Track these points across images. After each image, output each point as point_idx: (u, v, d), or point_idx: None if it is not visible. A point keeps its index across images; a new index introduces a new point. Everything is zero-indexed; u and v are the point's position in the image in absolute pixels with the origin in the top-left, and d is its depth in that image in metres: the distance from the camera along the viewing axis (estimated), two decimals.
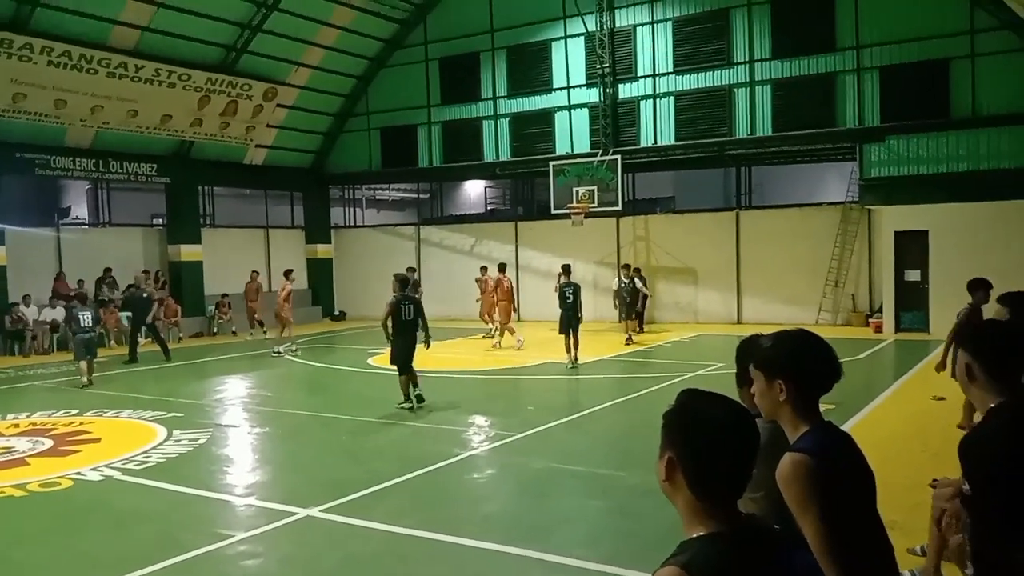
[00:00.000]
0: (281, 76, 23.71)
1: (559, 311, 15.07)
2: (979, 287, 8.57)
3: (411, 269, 16.37)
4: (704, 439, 1.77)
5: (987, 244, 17.49)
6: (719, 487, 1.78)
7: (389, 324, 11.14)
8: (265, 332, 21.19)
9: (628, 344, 18.00)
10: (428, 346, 11.83)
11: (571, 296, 14.99)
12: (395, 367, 11.33)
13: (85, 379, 14.08)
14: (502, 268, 19.59)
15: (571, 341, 14.73)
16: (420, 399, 11.42)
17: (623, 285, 19.24)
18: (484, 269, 20.45)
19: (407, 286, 11.73)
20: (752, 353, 2.65)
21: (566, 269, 15.93)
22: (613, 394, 12.49)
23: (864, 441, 2.61)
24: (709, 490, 1.77)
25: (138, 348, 17.62)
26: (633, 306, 19.22)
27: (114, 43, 19.80)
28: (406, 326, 11.21)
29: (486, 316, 19.62)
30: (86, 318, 14.45)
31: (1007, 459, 2.61)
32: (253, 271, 22.32)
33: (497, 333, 18.80)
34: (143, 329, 17.75)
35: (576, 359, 14.74)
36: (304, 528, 6.61)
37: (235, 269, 22.58)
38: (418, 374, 11.58)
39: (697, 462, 1.76)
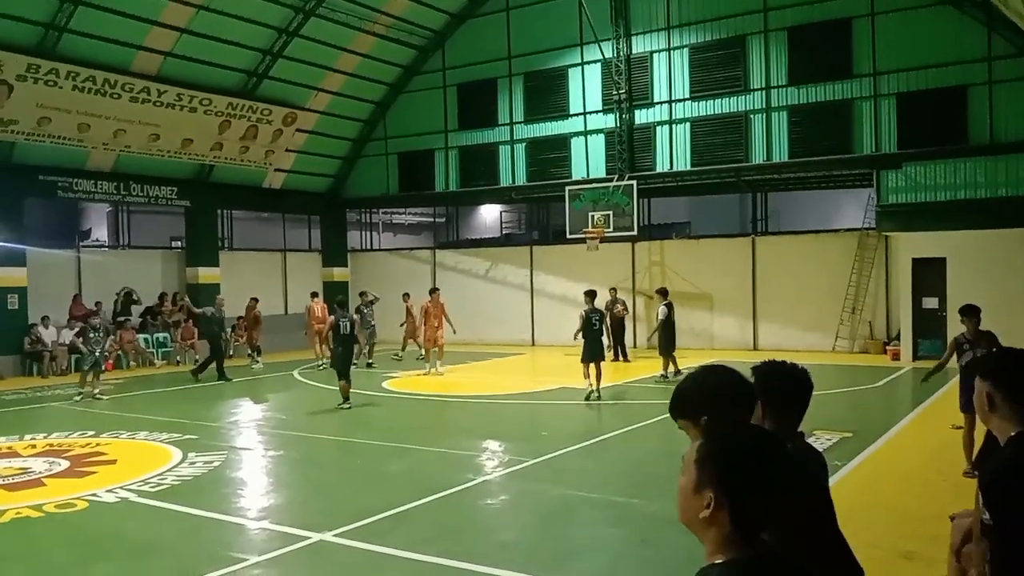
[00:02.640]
0: (301, 101, 24.01)
1: (582, 340, 14.07)
2: (974, 313, 8.61)
3: (354, 294, 20.62)
4: (754, 478, 1.74)
5: (1005, 271, 17.35)
6: (762, 521, 1.76)
7: (330, 336, 14.15)
8: (257, 361, 20.92)
9: (664, 380, 16.32)
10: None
11: (597, 323, 14.20)
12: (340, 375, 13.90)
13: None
14: (432, 291, 19.17)
15: (593, 371, 13.88)
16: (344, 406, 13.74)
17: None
18: (407, 296, 21.55)
19: (344, 307, 14.92)
20: (739, 396, 2.52)
21: (591, 295, 14.83)
22: (628, 420, 12.42)
23: (883, 471, 2.62)
24: (752, 524, 1.75)
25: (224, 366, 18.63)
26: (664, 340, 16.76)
27: (137, 68, 20.14)
28: (344, 339, 13.91)
29: (413, 339, 20.40)
30: (96, 336, 15.82)
31: None
32: (252, 298, 21.73)
33: (430, 359, 18.08)
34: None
35: (599, 390, 13.99)
36: (317, 553, 6.59)
37: (252, 292, 22.67)
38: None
39: (746, 501, 1.73)
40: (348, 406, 13.66)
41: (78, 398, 15.19)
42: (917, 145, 19.01)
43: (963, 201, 18.49)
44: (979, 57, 18.43)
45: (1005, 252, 17.59)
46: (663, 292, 17.41)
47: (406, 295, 21.67)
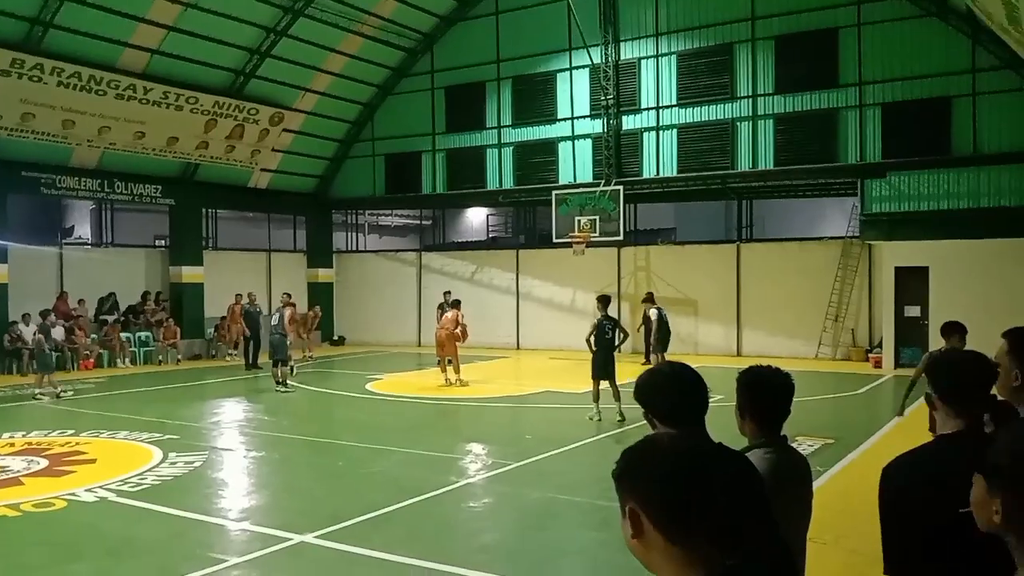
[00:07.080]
0: (288, 101, 23.91)
1: (594, 350, 12.62)
2: (955, 331, 7.60)
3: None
4: (667, 473, 1.45)
5: (987, 281, 17.51)
6: (700, 526, 1.43)
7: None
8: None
9: None
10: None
11: (610, 331, 12.60)
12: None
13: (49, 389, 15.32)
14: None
15: (610, 388, 12.42)
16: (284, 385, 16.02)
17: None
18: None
19: (285, 305, 17.25)
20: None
21: (604, 301, 13.18)
22: (611, 425, 12.43)
23: (865, 476, 2.62)
24: (689, 533, 1.43)
25: (259, 358, 20.29)
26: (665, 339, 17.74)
27: (123, 65, 20.00)
28: (272, 329, 16.60)
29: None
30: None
31: None
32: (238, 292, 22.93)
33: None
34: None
35: (622, 413, 12.26)
36: (298, 554, 6.55)
37: (236, 292, 22.57)
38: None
39: (669, 501, 1.44)
40: (280, 390, 15.75)
41: (45, 398, 15.00)
42: (901, 155, 19.16)
43: (946, 211, 18.66)
44: (963, 69, 18.60)
45: (987, 262, 17.75)
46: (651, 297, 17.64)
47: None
